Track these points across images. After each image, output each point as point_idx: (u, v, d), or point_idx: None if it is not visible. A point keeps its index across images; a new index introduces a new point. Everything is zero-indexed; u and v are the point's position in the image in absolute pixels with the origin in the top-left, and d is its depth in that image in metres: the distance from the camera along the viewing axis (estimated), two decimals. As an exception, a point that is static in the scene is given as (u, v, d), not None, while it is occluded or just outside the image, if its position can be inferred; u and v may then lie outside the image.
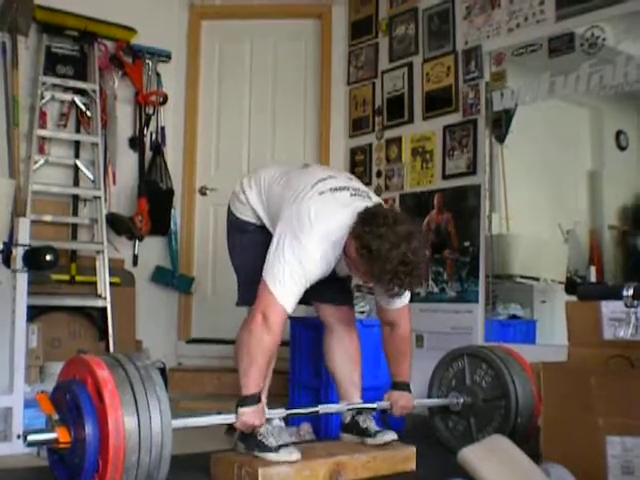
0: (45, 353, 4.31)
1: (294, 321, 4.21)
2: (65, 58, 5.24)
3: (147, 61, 5.66)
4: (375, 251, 2.86)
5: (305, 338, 4.20)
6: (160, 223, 5.52)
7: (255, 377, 2.99)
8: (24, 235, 3.66)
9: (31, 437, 2.61)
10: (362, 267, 2.98)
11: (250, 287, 3.25)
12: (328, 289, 3.32)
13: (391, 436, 3.33)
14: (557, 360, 3.25)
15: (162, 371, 5.06)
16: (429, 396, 3.87)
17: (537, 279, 4.77)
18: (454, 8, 5.03)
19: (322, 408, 3.39)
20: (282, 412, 3.17)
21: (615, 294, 3.12)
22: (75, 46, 5.29)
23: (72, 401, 2.59)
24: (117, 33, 5.47)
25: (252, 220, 3.44)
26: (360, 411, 3.44)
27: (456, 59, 4.99)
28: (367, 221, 2.94)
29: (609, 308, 3.13)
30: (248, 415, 2.97)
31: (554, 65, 4.44)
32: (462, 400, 3.69)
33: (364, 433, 3.37)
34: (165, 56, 5.75)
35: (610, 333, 3.11)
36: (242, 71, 5.98)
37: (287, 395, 4.31)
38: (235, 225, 3.53)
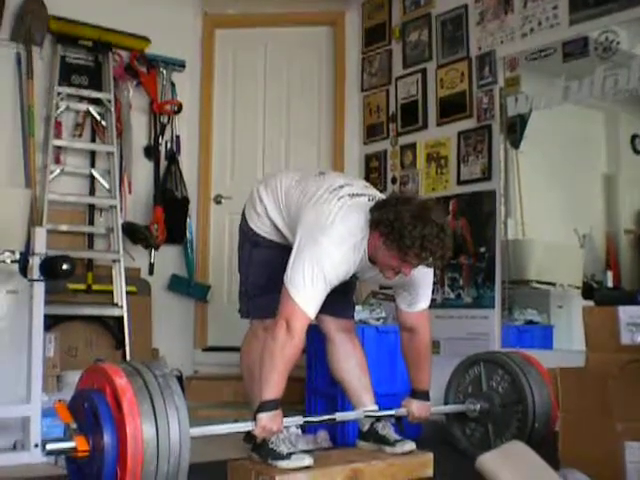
0: (62, 362, 4.32)
1: (310, 328, 4.20)
2: (80, 68, 5.27)
3: (161, 70, 5.68)
4: (398, 223, 2.88)
5: (321, 345, 4.18)
6: (176, 232, 5.53)
7: (275, 383, 2.98)
8: (40, 244, 3.67)
9: (50, 446, 2.61)
10: (391, 250, 2.95)
11: (250, 300, 3.26)
12: (330, 302, 3.31)
13: (410, 446, 3.31)
14: (574, 366, 3.24)
15: (179, 379, 5.06)
16: (446, 402, 3.86)
17: (553, 284, 4.75)
18: (467, 14, 5.03)
19: (339, 416, 3.38)
20: (299, 420, 3.16)
21: (632, 299, 3.11)
22: (90, 56, 5.32)
23: (90, 410, 2.59)
24: (131, 43, 5.49)
25: (266, 235, 3.42)
26: (378, 418, 3.43)
27: (470, 65, 4.98)
28: (381, 206, 3.01)
29: (626, 313, 3.12)
30: (266, 421, 2.95)
31: (568, 70, 4.43)
32: (479, 406, 3.68)
33: (382, 441, 3.35)
34: (179, 65, 5.77)
35: (628, 338, 3.10)
36: (256, 79, 6.00)
37: (303, 402, 4.31)
38: (248, 236, 3.51)
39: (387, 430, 3.38)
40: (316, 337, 4.13)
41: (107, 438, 2.50)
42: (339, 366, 3.54)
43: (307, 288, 2.97)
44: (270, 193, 3.42)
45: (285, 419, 3.04)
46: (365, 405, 3.46)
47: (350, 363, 3.52)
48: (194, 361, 5.65)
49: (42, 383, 3.67)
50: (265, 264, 3.39)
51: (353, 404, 3.52)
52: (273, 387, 2.98)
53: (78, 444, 2.57)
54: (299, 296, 2.98)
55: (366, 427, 3.45)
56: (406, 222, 2.88)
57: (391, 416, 3.45)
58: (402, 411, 3.47)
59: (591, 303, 3.51)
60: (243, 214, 3.59)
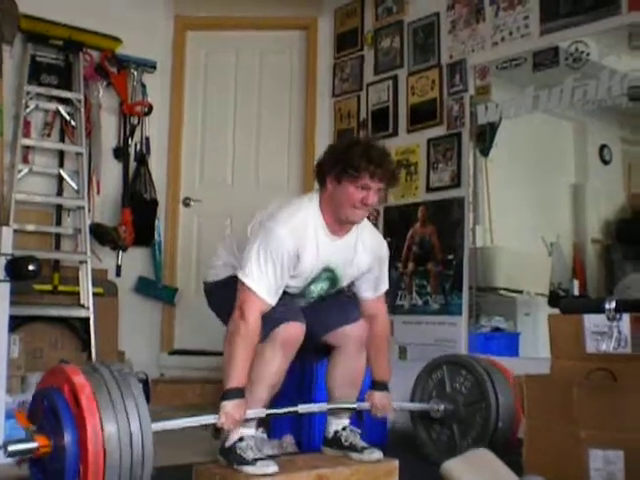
0: (27, 363, 4.28)
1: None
2: (50, 67, 5.23)
3: (132, 71, 5.65)
4: (340, 156, 3.10)
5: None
6: (144, 234, 5.50)
7: (235, 370, 3.00)
8: (7, 244, 3.63)
9: (12, 447, 2.60)
10: (346, 183, 3.08)
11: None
12: (330, 314, 3.36)
13: (378, 454, 3.30)
14: (540, 373, 3.26)
15: (144, 382, 5.04)
16: (411, 414, 3.90)
17: (521, 292, 4.78)
18: (439, 22, 5.05)
19: (302, 408, 3.34)
20: (262, 411, 3.14)
21: (598, 307, 3.13)
22: (60, 55, 5.28)
23: (50, 408, 2.60)
24: (102, 43, 5.46)
25: (232, 272, 3.34)
26: (345, 427, 3.42)
27: (441, 72, 5.00)
28: (319, 165, 3.22)
29: (592, 321, 3.14)
30: (230, 408, 2.96)
31: (538, 79, 4.47)
32: (443, 407, 3.72)
33: (348, 448, 3.34)
34: (150, 66, 5.75)
35: (593, 346, 3.12)
36: (227, 82, 5.99)
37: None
38: (216, 287, 3.47)
39: (353, 438, 3.37)
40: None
41: (67, 435, 2.51)
42: (334, 377, 3.46)
43: (255, 271, 3.04)
44: (221, 247, 3.49)
45: (248, 411, 3.03)
46: (341, 417, 3.44)
47: (346, 379, 3.45)
48: (160, 364, 5.62)
49: (6, 384, 3.64)
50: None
51: (329, 411, 3.49)
52: (235, 376, 3.00)
53: (39, 443, 2.57)
54: (249, 280, 3.04)
55: (330, 434, 3.44)
56: (345, 150, 3.10)
57: (354, 409, 3.45)
58: (365, 405, 3.47)
59: (557, 311, 3.53)
60: (205, 285, 3.58)
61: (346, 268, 3.30)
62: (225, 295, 3.21)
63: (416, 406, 3.85)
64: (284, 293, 3.17)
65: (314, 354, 3.53)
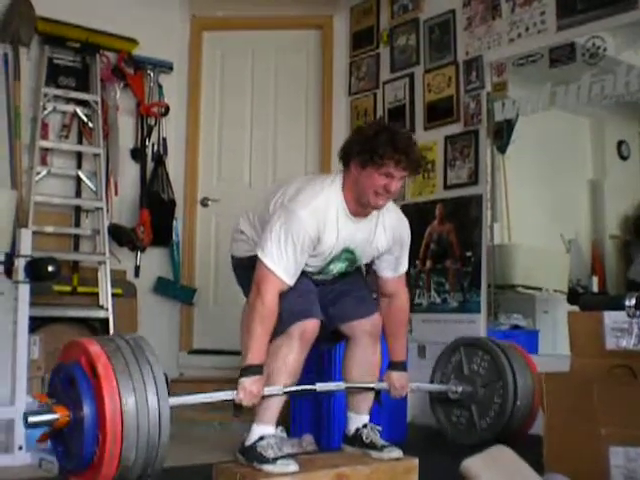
0: (47, 364, 4.28)
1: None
2: (67, 69, 5.25)
3: (149, 72, 5.67)
4: (366, 141, 3.11)
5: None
6: (162, 234, 5.52)
7: (254, 347, 3.04)
8: (26, 246, 3.66)
9: (32, 418, 2.65)
10: (369, 169, 3.09)
11: None
12: (347, 305, 3.38)
13: (398, 453, 3.30)
14: (560, 370, 3.25)
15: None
16: (431, 397, 3.92)
17: (539, 289, 4.77)
18: (455, 19, 5.04)
19: (320, 386, 3.34)
20: (279, 389, 3.14)
21: (617, 304, 3.12)
22: (77, 57, 5.30)
23: (67, 379, 2.65)
24: (119, 44, 5.48)
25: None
26: (365, 424, 3.42)
27: (457, 69, 4.99)
28: (345, 147, 3.24)
29: (611, 318, 3.13)
30: (248, 384, 3.00)
31: (555, 75, 4.45)
32: (461, 388, 3.76)
33: (369, 446, 3.34)
34: (167, 67, 5.76)
35: (613, 343, 3.11)
36: (244, 82, 5.99)
37: (289, 407, 4.31)
38: (241, 265, 3.47)
39: (373, 436, 3.37)
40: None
41: (86, 403, 2.56)
42: (351, 369, 3.47)
43: (275, 252, 3.07)
44: (244, 219, 3.48)
45: (267, 388, 3.06)
46: (360, 412, 3.44)
47: (362, 370, 3.45)
48: (180, 364, 5.63)
49: (27, 385, 3.66)
50: None
51: (349, 406, 3.50)
52: (253, 352, 3.04)
53: (59, 413, 2.61)
54: (267, 259, 3.07)
55: (351, 432, 3.44)
56: (372, 135, 3.11)
57: (371, 389, 3.44)
58: (383, 385, 3.48)
59: (577, 308, 3.52)
60: (231, 256, 3.58)
61: (365, 248, 3.33)
62: (251, 276, 3.19)
63: (434, 387, 3.90)
64: (302, 272, 3.20)
65: (330, 339, 3.53)
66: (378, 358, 3.50)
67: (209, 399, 3.07)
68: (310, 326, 3.15)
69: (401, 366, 3.53)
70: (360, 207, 3.21)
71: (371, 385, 3.44)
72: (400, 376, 3.50)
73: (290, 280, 3.11)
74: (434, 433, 4.20)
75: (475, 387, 3.74)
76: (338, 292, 3.43)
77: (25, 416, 2.68)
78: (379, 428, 3.42)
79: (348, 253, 3.30)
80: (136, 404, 2.54)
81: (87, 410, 2.55)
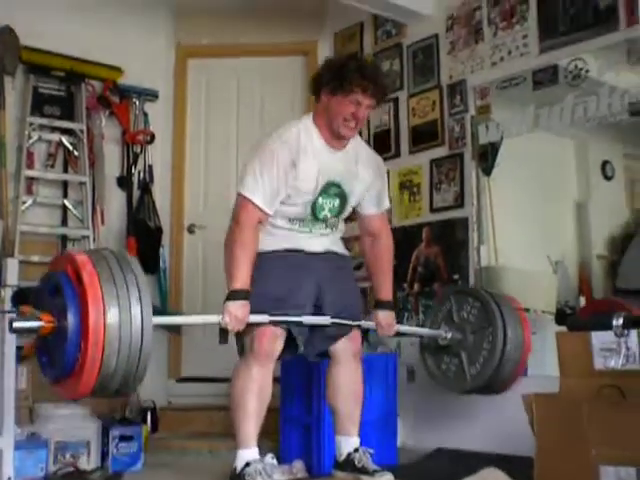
0: (35, 394, 4.27)
1: (284, 363, 4.19)
2: (52, 98, 5.26)
3: (134, 100, 5.68)
4: (335, 69, 3.32)
5: (295, 373, 4.19)
6: (149, 261, 5.50)
7: (238, 272, 3.13)
8: (12, 276, 3.65)
9: (17, 324, 2.67)
10: (338, 96, 3.28)
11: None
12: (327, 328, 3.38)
13: (389, 478, 3.30)
14: (549, 391, 3.25)
15: (152, 410, 5.03)
16: (421, 345, 3.95)
17: (527, 310, 4.75)
18: (438, 43, 5.07)
19: (306, 319, 3.30)
20: (265, 317, 3.17)
21: (605, 324, 3.12)
22: (62, 86, 5.31)
23: (53, 287, 2.68)
24: (104, 73, 5.48)
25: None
26: (357, 448, 3.40)
27: (441, 93, 5.02)
28: (316, 77, 3.44)
29: (599, 338, 3.13)
30: (234, 308, 3.07)
31: (538, 97, 4.48)
32: (450, 334, 3.75)
33: (360, 471, 3.33)
34: (152, 95, 5.78)
35: (601, 363, 3.11)
36: (229, 109, 6.00)
37: (278, 432, 4.29)
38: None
39: (365, 461, 3.36)
40: (290, 366, 4.13)
41: (70, 310, 2.58)
42: (336, 393, 3.49)
43: (250, 182, 3.24)
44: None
45: (252, 316, 3.12)
46: (350, 435, 3.43)
47: (347, 392, 3.48)
48: (168, 392, 5.60)
49: (15, 415, 3.63)
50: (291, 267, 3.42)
51: (337, 430, 3.49)
52: (237, 278, 3.13)
53: (44, 319, 2.63)
54: (244, 189, 3.26)
55: (342, 457, 3.43)
56: (341, 65, 3.31)
57: (358, 326, 3.46)
58: (370, 323, 3.53)
59: (565, 329, 3.52)
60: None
61: (352, 183, 3.42)
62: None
63: (423, 331, 3.91)
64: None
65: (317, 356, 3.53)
66: (362, 379, 3.52)
67: (195, 321, 3.19)
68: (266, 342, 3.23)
69: (388, 305, 3.58)
70: (333, 136, 3.36)
71: (358, 323, 3.47)
72: (387, 315, 3.55)
73: (268, 207, 3.23)
74: (425, 457, 4.19)
75: (465, 334, 3.72)
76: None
77: (10, 321, 2.69)
78: (371, 451, 3.41)
79: (335, 187, 3.38)
80: (119, 311, 2.57)
81: (71, 317, 2.57)
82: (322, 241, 3.45)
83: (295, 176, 3.26)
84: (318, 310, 3.34)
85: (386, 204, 3.63)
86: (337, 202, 3.40)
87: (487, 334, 3.63)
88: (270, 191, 3.22)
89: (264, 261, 3.29)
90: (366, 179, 3.48)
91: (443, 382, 3.82)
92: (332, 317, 3.34)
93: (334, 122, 3.30)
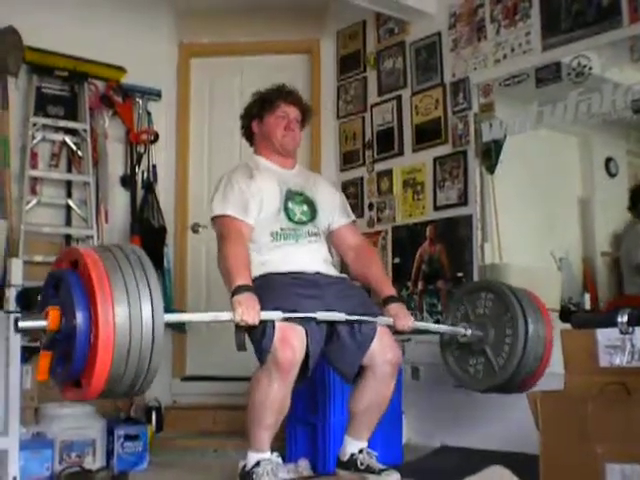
0: (40, 394, 4.28)
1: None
2: (55, 98, 5.26)
3: (137, 100, 5.68)
4: (254, 101, 3.73)
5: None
6: (153, 261, 5.44)
7: (239, 271, 3.15)
8: (17, 276, 3.65)
9: (21, 324, 2.60)
10: (268, 117, 3.63)
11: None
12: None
13: (396, 476, 3.29)
14: (553, 389, 3.25)
15: (157, 410, 5.03)
16: (441, 344, 3.82)
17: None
18: (441, 41, 5.06)
19: (321, 315, 3.19)
20: (278, 314, 3.09)
21: (610, 321, 3.12)
22: (65, 86, 5.31)
23: (59, 282, 2.61)
24: (107, 73, 5.49)
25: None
26: (361, 449, 3.39)
27: (444, 91, 5.02)
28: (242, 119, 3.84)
29: (604, 335, 3.13)
30: (243, 299, 3.02)
31: (542, 95, 4.47)
32: (470, 331, 3.60)
33: (366, 471, 3.31)
34: (155, 94, 5.78)
35: (606, 360, 3.11)
36: (232, 107, 5.95)
37: (284, 432, 4.29)
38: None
39: (369, 461, 3.35)
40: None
41: (79, 308, 2.48)
42: (361, 400, 3.38)
43: (218, 204, 3.41)
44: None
45: (264, 312, 3.04)
46: (360, 439, 3.41)
47: (373, 406, 3.38)
48: (172, 391, 5.59)
49: (20, 416, 3.64)
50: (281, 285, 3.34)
51: (348, 430, 3.45)
52: (240, 275, 3.13)
53: (50, 313, 2.53)
54: (216, 210, 3.41)
55: (346, 457, 3.41)
56: (261, 94, 3.71)
57: (374, 323, 3.33)
58: (387, 319, 3.38)
59: (569, 326, 3.52)
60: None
61: (313, 190, 3.57)
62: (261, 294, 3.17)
63: (441, 327, 3.76)
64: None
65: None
66: (389, 395, 3.41)
67: (208, 318, 3.19)
68: (289, 352, 3.12)
69: (396, 298, 3.51)
70: (280, 153, 3.58)
71: (373, 319, 3.33)
72: (399, 305, 3.47)
73: (242, 216, 3.34)
74: (430, 454, 4.19)
75: (486, 329, 3.57)
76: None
77: (15, 321, 2.61)
78: (375, 454, 3.40)
79: (299, 195, 3.51)
80: (129, 309, 2.51)
81: (80, 314, 2.47)
82: (314, 257, 3.43)
83: (258, 187, 3.42)
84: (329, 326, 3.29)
85: (352, 215, 3.75)
86: (305, 207, 3.51)
87: (507, 320, 3.50)
88: (240, 202, 3.37)
89: (265, 282, 3.27)
90: (325, 190, 3.67)
91: (464, 380, 3.72)
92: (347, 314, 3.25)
93: (274, 139, 3.56)
